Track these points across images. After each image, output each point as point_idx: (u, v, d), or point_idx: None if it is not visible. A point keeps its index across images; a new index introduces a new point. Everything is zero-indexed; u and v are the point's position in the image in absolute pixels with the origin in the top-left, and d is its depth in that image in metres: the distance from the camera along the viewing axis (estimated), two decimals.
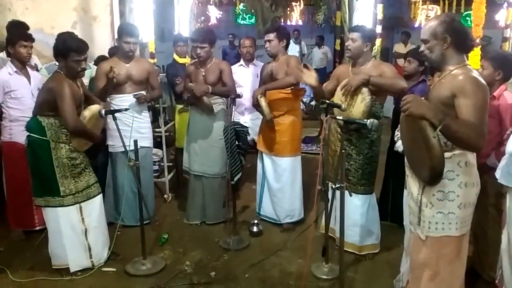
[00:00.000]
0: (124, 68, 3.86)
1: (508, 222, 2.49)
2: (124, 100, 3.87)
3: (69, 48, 3.04)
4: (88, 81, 4.24)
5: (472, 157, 2.31)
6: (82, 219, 3.26)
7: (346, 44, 3.45)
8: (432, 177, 2.22)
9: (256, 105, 3.89)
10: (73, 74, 3.13)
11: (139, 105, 3.91)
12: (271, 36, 3.88)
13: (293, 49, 10.11)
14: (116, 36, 3.93)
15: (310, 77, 3.29)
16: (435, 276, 2.38)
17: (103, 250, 3.42)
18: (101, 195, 3.41)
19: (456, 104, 2.16)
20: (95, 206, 3.34)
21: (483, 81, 2.18)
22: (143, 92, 3.96)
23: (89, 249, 3.31)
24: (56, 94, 3.02)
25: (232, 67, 5.14)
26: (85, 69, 3.21)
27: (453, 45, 2.24)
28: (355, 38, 3.34)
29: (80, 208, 3.24)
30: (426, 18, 9.19)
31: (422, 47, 2.33)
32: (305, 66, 3.50)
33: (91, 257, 3.33)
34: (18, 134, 3.54)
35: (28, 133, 3.16)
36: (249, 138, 4.14)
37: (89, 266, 3.33)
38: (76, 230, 3.25)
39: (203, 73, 3.96)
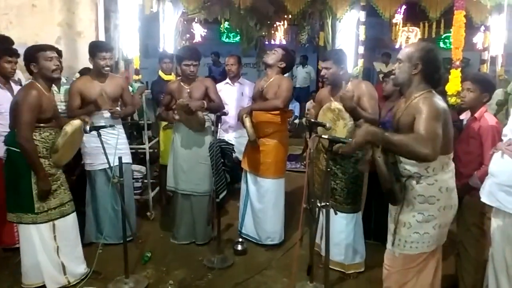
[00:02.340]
0: (98, 86, 3.81)
1: (493, 241, 2.56)
2: (99, 117, 3.81)
3: (36, 49, 3.07)
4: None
5: (452, 182, 2.43)
6: (54, 236, 3.20)
7: (321, 73, 3.50)
8: (386, 196, 2.40)
9: (243, 124, 3.90)
10: (48, 76, 3.09)
11: (114, 120, 3.84)
12: (279, 50, 3.91)
13: None
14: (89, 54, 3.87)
15: None
16: (402, 287, 2.51)
17: (77, 267, 3.36)
18: (74, 213, 3.35)
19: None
20: (68, 224, 3.29)
21: (440, 103, 2.30)
22: (118, 108, 3.93)
23: (63, 266, 3.25)
24: (18, 103, 3.00)
25: (218, 85, 5.17)
26: (60, 67, 3.16)
27: (422, 74, 2.36)
28: (328, 66, 3.39)
29: (53, 225, 3.19)
30: (407, 39, 9.41)
31: (395, 65, 2.46)
32: None
33: (65, 274, 3.27)
34: (1, 150, 3.47)
35: (6, 147, 3.11)
36: (234, 155, 4.14)
37: (65, 283, 3.26)
38: (49, 247, 3.19)
39: (188, 91, 3.94)
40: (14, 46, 3.76)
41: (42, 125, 3.08)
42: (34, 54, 3.06)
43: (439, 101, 2.32)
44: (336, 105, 3.24)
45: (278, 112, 3.87)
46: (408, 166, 2.38)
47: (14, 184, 3.10)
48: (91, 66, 3.98)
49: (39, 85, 3.08)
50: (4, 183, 3.18)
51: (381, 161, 2.30)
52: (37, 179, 3.05)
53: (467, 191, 2.86)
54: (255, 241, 4.10)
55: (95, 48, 3.80)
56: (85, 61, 4.86)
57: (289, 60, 3.96)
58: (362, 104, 3.27)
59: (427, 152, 2.12)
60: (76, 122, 3.20)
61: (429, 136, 2.15)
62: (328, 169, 2.87)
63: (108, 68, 3.82)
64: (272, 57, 3.90)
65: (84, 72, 4.33)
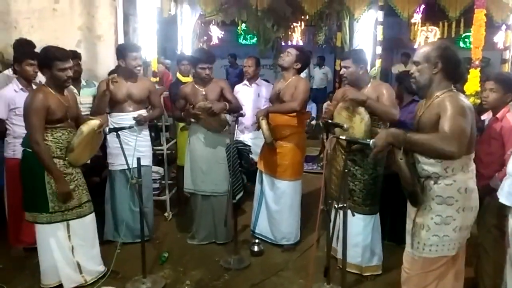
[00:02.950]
0: (125, 86, 3.86)
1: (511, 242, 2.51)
2: (124, 119, 3.85)
3: (53, 57, 3.04)
4: (92, 99, 4.27)
5: (472, 182, 2.38)
6: (69, 236, 3.24)
7: (341, 72, 3.49)
8: (408, 197, 2.37)
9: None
10: (60, 84, 3.10)
11: (137, 125, 3.87)
12: (293, 51, 3.89)
13: None
14: (117, 57, 3.92)
15: None
16: None
17: (94, 266, 3.39)
18: (93, 214, 3.37)
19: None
20: (85, 225, 3.31)
21: (467, 102, 2.27)
22: (143, 112, 3.95)
23: (79, 265, 3.29)
24: (25, 107, 3.03)
25: (236, 86, 5.23)
26: (71, 78, 3.16)
27: (443, 71, 2.33)
28: (348, 65, 3.37)
29: (68, 225, 3.22)
30: (426, 39, 9.28)
31: (413, 69, 2.41)
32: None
33: (81, 273, 3.30)
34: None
35: (23, 148, 3.17)
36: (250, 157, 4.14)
37: (81, 282, 3.30)
38: (63, 246, 3.22)
39: (203, 93, 3.95)
40: (35, 50, 3.82)
41: (53, 126, 3.09)
42: (50, 61, 3.04)
43: (464, 99, 2.29)
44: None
45: (295, 114, 3.85)
46: (427, 166, 2.34)
47: (29, 184, 3.15)
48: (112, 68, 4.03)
49: (48, 88, 3.10)
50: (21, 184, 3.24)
51: (403, 163, 2.26)
52: (54, 181, 3.08)
53: (488, 192, 2.80)
54: (269, 241, 4.10)
55: (126, 49, 3.85)
56: (105, 64, 4.97)
57: (304, 60, 3.94)
58: (381, 102, 3.26)
59: (453, 150, 2.10)
60: (93, 122, 3.20)
61: (455, 133, 2.13)
62: (346, 170, 2.86)
63: (139, 68, 3.87)
64: (286, 60, 3.88)
65: (113, 71, 4.39)
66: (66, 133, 3.16)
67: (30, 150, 3.09)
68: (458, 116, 2.17)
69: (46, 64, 3.07)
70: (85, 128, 3.13)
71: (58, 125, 3.12)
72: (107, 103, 3.77)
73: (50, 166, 3.06)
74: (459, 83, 2.40)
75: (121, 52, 3.86)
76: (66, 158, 3.15)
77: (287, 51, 3.92)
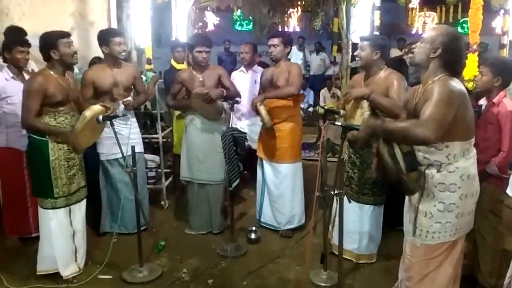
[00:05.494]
0: (111, 75, 3.80)
1: None
2: None
3: (57, 36, 3.05)
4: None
5: (473, 169, 2.36)
6: (71, 221, 3.25)
7: (355, 53, 3.46)
8: (397, 187, 2.34)
9: (257, 112, 3.87)
10: (69, 61, 3.12)
11: (127, 111, 3.84)
12: (276, 41, 3.87)
13: (297, 56, 10.15)
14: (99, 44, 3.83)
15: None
16: (424, 277, 2.45)
17: (83, 254, 3.41)
18: (85, 199, 3.39)
19: None
20: (81, 209, 3.35)
21: (456, 86, 2.23)
22: (130, 98, 3.92)
23: (75, 253, 3.30)
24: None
25: (233, 72, 5.18)
26: (76, 52, 3.16)
27: (440, 59, 2.29)
28: (363, 47, 3.31)
29: (70, 210, 3.23)
30: (423, 25, 9.22)
31: (417, 44, 2.40)
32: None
33: (76, 260, 3.32)
34: (14, 140, 3.52)
35: (28, 134, 3.15)
36: (246, 144, 4.12)
37: (76, 270, 3.31)
38: (65, 232, 3.23)
39: (200, 79, 3.90)
40: (27, 37, 3.75)
41: (55, 109, 3.08)
42: (54, 41, 3.05)
43: (455, 84, 2.24)
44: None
45: (291, 97, 3.84)
46: (428, 155, 2.31)
47: (35, 169, 3.16)
48: (101, 55, 3.96)
49: (50, 71, 3.09)
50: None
51: (385, 152, 2.24)
52: (61, 138, 3.10)
53: (485, 177, 2.79)
54: (274, 229, 4.09)
55: (108, 35, 3.76)
56: (97, 51, 4.88)
57: (288, 42, 3.96)
58: (390, 94, 3.20)
59: (427, 134, 2.09)
60: (96, 108, 3.17)
61: (431, 119, 2.11)
62: (342, 157, 2.83)
63: (124, 54, 3.81)
64: (277, 51, 3.88)
65: (94, 61, 4.32)
66: (69, 117, 3.16)
67: (35, 136, 3.09)
68: (441, 103, 2.15)
69: (52, 45, 3.05)
70: (88, 113, 3.11)
71: (60, 108, 3.11)
72: (91, 93, 3.72)
73: (53, 132, 3.08)
74: (456, 76, 2.35)
75: (104, 38, 3.76)
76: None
77: (271, 45, 3.89)
